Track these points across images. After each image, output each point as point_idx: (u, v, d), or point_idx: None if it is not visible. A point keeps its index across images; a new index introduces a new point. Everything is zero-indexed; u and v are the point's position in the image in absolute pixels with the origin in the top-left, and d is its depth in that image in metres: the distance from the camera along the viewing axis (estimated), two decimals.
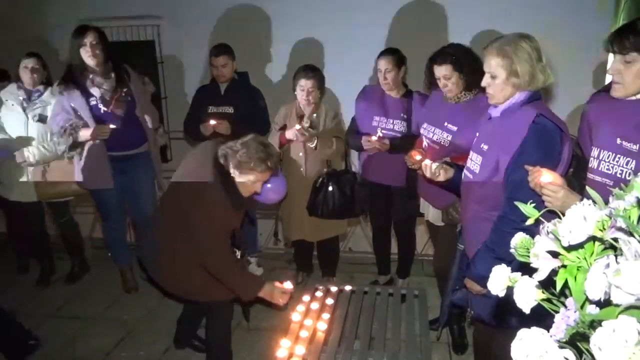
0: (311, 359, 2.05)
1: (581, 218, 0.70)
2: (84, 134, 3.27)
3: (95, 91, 3.33)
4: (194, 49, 4.94)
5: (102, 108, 3.33)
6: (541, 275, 0.75)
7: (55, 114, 3.37)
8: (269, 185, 2.71)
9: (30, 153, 3.50)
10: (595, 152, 1.79)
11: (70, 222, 4.04)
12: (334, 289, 2.60)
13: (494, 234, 1.93)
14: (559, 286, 0.73)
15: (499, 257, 1.90)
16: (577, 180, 1.89)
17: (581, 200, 1.61)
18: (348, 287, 2.62)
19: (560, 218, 0.75)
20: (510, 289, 0.79)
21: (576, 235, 0.70)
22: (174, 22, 5.91)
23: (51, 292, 3.90)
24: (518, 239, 0.83)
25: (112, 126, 3.27)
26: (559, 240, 0.73)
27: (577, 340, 0.69)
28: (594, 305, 0.68)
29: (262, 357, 2.96)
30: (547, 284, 0.75)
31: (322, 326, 2.25)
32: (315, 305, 2.42)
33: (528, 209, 0.84)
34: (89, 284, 3.99)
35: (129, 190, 3.59)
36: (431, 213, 2.95)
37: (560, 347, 0.68)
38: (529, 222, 0.83)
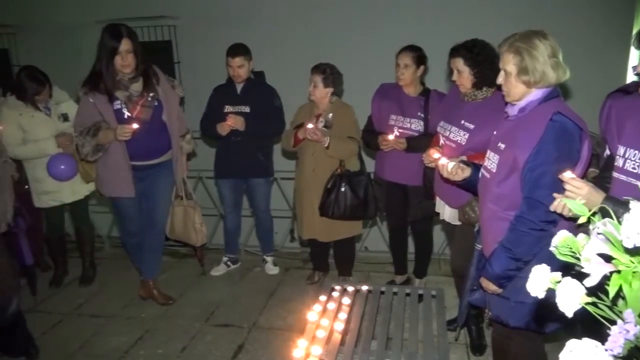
0: (328, 359, 2.04)
1: None
2: (105, 135, 3.10)
3: (120, 94, 3.13)
4: (210, 48, 4.97)
5: (126, 113, 3.14)
6: (593, 280, 0.69)
7: (78, 116, 3.24)
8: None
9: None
10: (621, 150, 1.76)
11: (88, 223, 4.09)
12: (350, 288, 2.59)
13: (511, 234, 1.91)
14: (612, 293, 0.68)
15: (515, 257, 1.90)
16: (603, 180, 1.86)
17: (606, 197, 1.58)
18: (365, 287, 2.60)
19: (612, 218, 0.71)
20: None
21: None
22: (191, 23, 5.97)
23: (71, 290, 3.95)
24: (561, 237, 0.77)
25: (134, 126, 3.06)
26: (612, 243, 0.69)
27: (634, 356, 0.65)
28: None
29: (279, 357, 2.97)
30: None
31: (338, 326, 2.25)
32: (332, 305, 2.41)
33: (577, 206, 0.79)
34: (108, 283, 4.03)
35: (146, 198, 3.40)
36: (447, 212, 2.92)
37: None
38: (581, 220, 0.78)
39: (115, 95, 3.12)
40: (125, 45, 3.02)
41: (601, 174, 1.95)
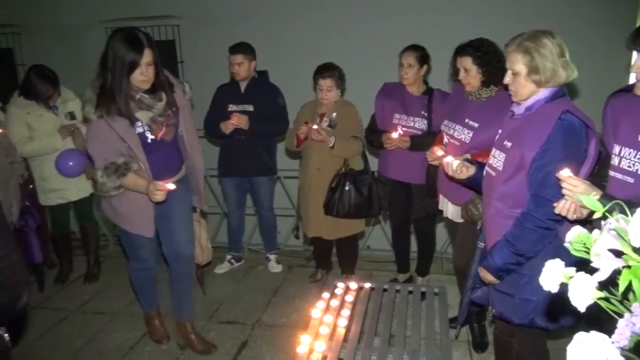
0: (331, 355, 2.06)
1: None
2: (135, 182, 2.54)
3: (142, 115, 2.59)
4: (214, 48, 5.00)
5: (150, 136, 2.63)
6: (602, 275, 0.70)
7: (97, 144, 2.57)
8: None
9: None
10: (616, 149, 1.78)
11: (93, 221, 4.12)
12: (353, 286, 2.61)
13: (516, 229, 1.93)
14: (621, 288, 0.69)
15: (518, 252, 1.91)
16: (600, 178, 1.88)
17: (602, 195, 1.60)
18: (367, 285, 2.62)
19: (627, 215, 0.71)
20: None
21: None
22: (195, 22, 5.99)
23: (76, 287, 3.98)
24: (575, 233, 0.77)
25: (170, 186, 2.47)
26: (623, 239, 0.70)
27: None
28: None
29: (282, 353, 2.99)
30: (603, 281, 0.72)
31: (342, 323, 2.26)
32: (335, 302, 2.44)
33: (592, 202, 0.79)
34: (113, 280, 4.05)
35: (163, 222, 2.83)
36: (450, 210, 2.94)
37: (623, 354, 0.64)
38: (596, 215, 0.79)
39: (136, 117, 2.57)
40: (147, 57, 2.46)
41: (598, 172, 1.96)
